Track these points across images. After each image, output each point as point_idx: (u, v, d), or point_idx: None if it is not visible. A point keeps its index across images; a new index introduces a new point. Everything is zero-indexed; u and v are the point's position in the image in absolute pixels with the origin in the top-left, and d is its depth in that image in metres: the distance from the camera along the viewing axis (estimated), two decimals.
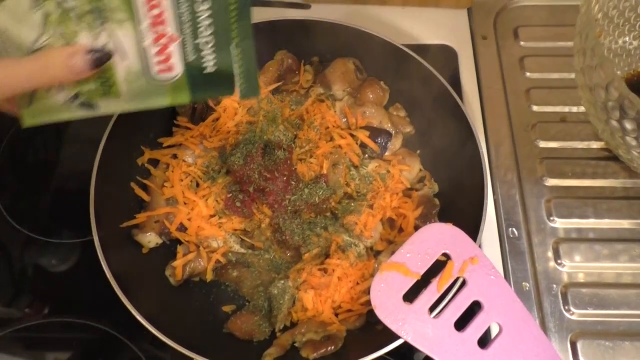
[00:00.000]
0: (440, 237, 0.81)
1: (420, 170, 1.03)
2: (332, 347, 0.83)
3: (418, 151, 1.05)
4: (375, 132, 1.03)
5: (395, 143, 1.04)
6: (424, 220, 0.96)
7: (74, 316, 0.95)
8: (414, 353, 0.91)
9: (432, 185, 1.01)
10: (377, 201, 0.97)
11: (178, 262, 0.91)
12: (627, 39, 1.07)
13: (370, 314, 0.86)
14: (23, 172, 1.12)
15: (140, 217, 0.94)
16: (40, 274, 1.01)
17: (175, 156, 1.01)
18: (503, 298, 0.79)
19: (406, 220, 0.96)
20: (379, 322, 0.77)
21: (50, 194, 1.09)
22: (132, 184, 0.97)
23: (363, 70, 1.09)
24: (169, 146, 1.02)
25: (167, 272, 0.92)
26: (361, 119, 1.03)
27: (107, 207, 0.88)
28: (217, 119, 1.04)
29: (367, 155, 1.03)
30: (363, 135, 1.02)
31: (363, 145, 1.03)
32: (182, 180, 0.97)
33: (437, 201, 0.99)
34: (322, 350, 0.83)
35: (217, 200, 0.96)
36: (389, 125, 1.04)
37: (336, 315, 0.90)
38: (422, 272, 0.79)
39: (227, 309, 0.92)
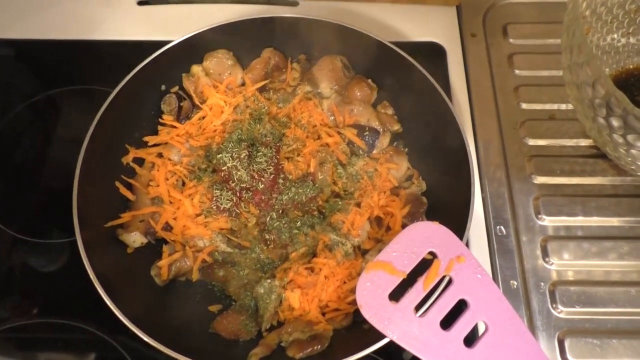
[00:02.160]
0: (427, 235, 0.81)
1: (409, 168, 1.03)
2: (319, 347, 0.83)
3: (406, 149, 1.05)
4: (363, 130, 1.02)
5: (383, 141, 1.03)
6: (411, 218, 0.95)
7: (61, 317, 0.94)
8: (402, 352, 0.91)
9: (420, 183, 1.00)
10: (365, 200, 0.96)
11: (164, 262, 0.91)
12: (615, 36, 1.07)
13: (357, 313, 0.86)
14: (10, 172, 1.11)
15: (125, 217, 0.93)
16: (30, 274, 1.00)
17: (160, 155, 1.00)
18: (489, 297, 0.79)
19: (394, 218, 0.95)
20: (365, 321, 0.77)
21: (37, 193, 1.08)
22: (117, 183, 0.96)
23: (351, 67, 1.08)
24: (154, 145, 1.01)
25: (153, 272, 0.91)
26: (349, 117, 1.03)
27: (91, 207, 0.88)
28: (203, 118, 1.03)
29: (354, 153, 1.03)
30: (351, 134, 1.01)
31: (351, 144, 1.02)
32: (167, 179, 0.97)
33: (425, 199, 0.98)
34: (309, 350, 0.83)
35: (202, 200, 0.95)
36: (377, 123, 1.03)
37: (323, 314, 0.89)
38: (408, 270, 0.79)
39: (213, 308, 0.92)
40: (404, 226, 0.95)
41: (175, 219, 0.94)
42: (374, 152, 1.03)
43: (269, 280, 0.89)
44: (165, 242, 0.95)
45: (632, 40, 1.07)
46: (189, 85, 1.05)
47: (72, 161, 0.90)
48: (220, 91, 1.05)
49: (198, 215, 0.95)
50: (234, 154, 0.94)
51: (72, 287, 0.97)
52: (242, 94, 1.04)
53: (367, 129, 1.02)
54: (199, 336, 0.88)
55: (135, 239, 0.93)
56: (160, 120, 1.03)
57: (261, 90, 1.07)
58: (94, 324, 0.93)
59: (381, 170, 1.00)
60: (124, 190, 0.96)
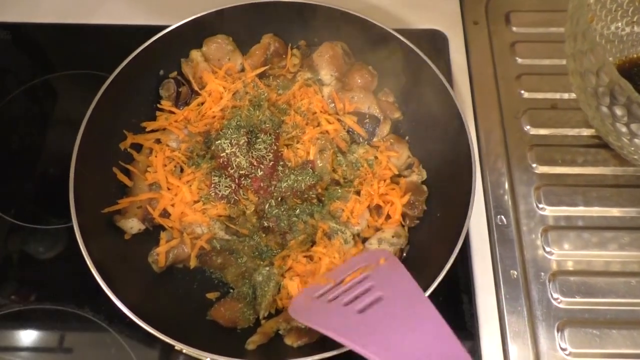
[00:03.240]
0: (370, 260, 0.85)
1: (409, 157, 1.02)
2: (317, 336, 0.82)
3: (407, 137, 1.04)
4: (363, 118, 1.01)
5: (384, 129, 1.02)
6: (411, 207, 0.94)
7: (58, 303, 0.93)
8: None
9: (421, 172, 0.99)
10: (365, 188, 0.95)
11: (161, 249, 0.90)
12: (619, 24, 1.06)
13: None
14: (7, 157, 1.10)
15: (123, 203, 0.92)
16: (27, 261, 0.99)
17: (158, 141, 0.99)
18: (391, 272, 0.81)
19: (394, 207, 0.95)
20: None
21: (34, 179, 1.07)
22: (115, 169, 0.95)
23: (351, 54, 1.07)
24: (152, 131, 1.00)
25: (150, 259, 0.91)
26: (349, 104, 1.02)
27: (87, 192, 0.87)
28: (202, 104, 1.02)
29: (354, 141, 1.02)
30: (351, 121, 1.00)
31: (351, 131, 1.01)
32: (165, 165, 0.96)
33: (425, 188, 0.97)
34: (306, 338, 0.82)
35: (201, 187, 0.94)
36: (378, 110, 1.02)
37: None
38: (337, 279, 0.83)
39: (211, 296, 0.91)
40: (403, 215, 0.94)
41: (173, 205, 0.93)
42: (374, 139, 1.02)
43: (267, 268, 0.88)
44: (163, 228, 0.94)
45: (636, 29, 1.06)
46: (187, 71, 1.04)
47: (69, 147, 0.88)
48: (220, 77, 1.03)
49: (196, 202, 0.93)
50: (232, 140, 0.93)
51: (69, 274, 0.96)
52: (242, 80, 1.03)
53: (367, 116, 1.01)
54: (196, 323, 0.87)
55: (132, 225, 0.92)
56: (158, 105, 1.02)
57: (261, 76, 1.06)
58: (91, 311, 0.92)
59: (381, 158, 0.99)
60: (121, 176, 0.95)
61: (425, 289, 0.78)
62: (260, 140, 0.94)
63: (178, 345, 0.76)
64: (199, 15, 1.01)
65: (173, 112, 1.01)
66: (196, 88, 1.03)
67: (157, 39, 0.99)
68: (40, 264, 0.99)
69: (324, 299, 0.81)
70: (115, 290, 0.79)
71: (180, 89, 1.03)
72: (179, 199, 0.93)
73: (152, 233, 0.94)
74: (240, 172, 0.92)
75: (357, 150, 0.99)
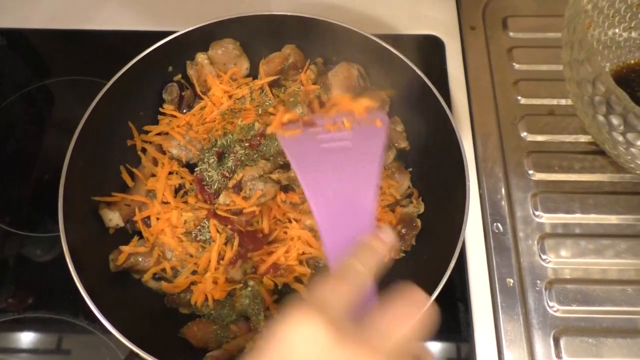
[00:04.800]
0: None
1: (409, 187, 1.00)
2: None
3: (410, 170, 1.02)
4: None
5: (387, 157, 0.99)
6: (400, 239, 0.93)
7: (53, 312, 0.93)
8: None
9: (419, 204, 0.97)
10: None
11: (127, 248, 0.89)
12: (616, 30, 1.05)
13: None
14: (2, 164, 1.09)
15: (117, 196, 0.93)
16: (24, 264, 0.99)
17: (161, 148, 0.99)
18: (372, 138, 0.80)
19: None
20: None
21: (31, 186, 1.06)
22: (122, 168, 0.96)
23: (367, 78, 1.05)
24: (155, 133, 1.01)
25: (111, 256, 0.89)
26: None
27: (79, 188, 0.87)
28: (204, 107, 1.02)
29: None
30: None
31: None
32: (169, 179, 0.96)
33: (419, 223, 0.95)
34: None
35: (189, 220, 0.93)
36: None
37: None
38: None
39: (184, 310, 0.90)
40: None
41: (158, 219, 0.92)
42: None
43: (249, 288, 0.87)
44: (141, 236, 0.93)
45: (633, 34, 1.06)
46: (192, 73, 1.03)
47: (65, 153, 0.88)
48: (224, 81, 1.03)
49: (177, 228, 0.93)
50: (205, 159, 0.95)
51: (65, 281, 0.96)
52: (249, 86, 1.02)
53: None
54: (168, 338, 0.87)
55: (112, 217, 0.91)
56: (160, 109, 1.02)
57: (272, 85, 1.05)
58: (85, 319, 0.92)
59: (382, 185, 0.96)
60: (125, 176, 0.96)
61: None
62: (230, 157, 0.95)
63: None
64: (212, 21, 1.00)
65: (175, 116, 1.01)
66: (199, 92, 1.03)
67: (167, 42, 0.98)
68: (35, 270, 0.98)
69: (309, 131, 0.82)
70: (94, 300, 0.78)
71: (183, 93, 1.02)
72: (166, 217, 0.92)
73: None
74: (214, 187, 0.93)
75: None
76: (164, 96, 1.03)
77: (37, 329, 0.93)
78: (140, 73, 0.97)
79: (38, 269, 0.99)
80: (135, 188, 0.95)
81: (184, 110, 1.03)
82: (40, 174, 1.07)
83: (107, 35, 1.21)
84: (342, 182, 0.72)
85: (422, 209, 0.97)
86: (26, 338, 0.93)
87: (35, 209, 1.05)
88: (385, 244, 0.58)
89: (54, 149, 1.09)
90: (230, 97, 1.02)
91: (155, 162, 0.99)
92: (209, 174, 0.94)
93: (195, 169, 0.97)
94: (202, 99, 1.03)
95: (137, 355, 0.76)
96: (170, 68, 1.03)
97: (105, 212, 0.91)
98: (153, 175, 0.97)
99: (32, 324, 0.93)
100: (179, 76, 1.04)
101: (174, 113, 1.02)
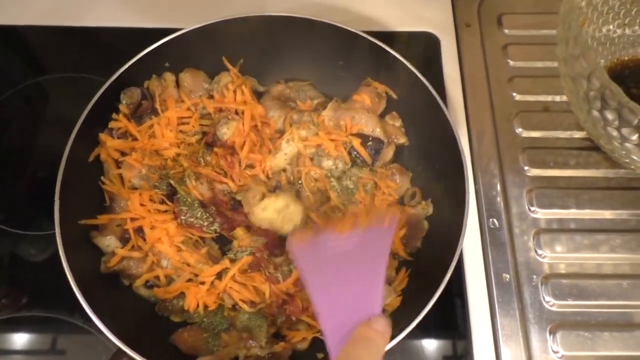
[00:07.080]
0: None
1: (409, 188, 0.99)
2: None
3: (411, 173, 1.01)
4: (366, 140, 0.98)
5: (387, 154, 0.99)
6: (406, 243, 0.92)
7: (48, 311, 0.93)
8: None
9: (427, 205, 0.96)
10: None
11: (121, 251, 0.87)
12: (611, 27, 1.05)
13: (315, 340, 0.87)
14: None
15: (102, 219, 0.89)
16: (19, 263, 0.99)
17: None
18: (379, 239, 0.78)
19: None
20: (320, 350, 0.81)
21: (26, 182, 1.06)
22: (103, 179, 0.93)
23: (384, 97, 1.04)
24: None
25: (104, 257, 0.88)
26: (351, 124, 0.99)
27: (74, 201, 0.85)
28: (152, 127, 0.98)
29: (355, 163, 0.99)
30: (357, 142, 0.98)
31: (353, 154, 0.98)
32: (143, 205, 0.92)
33: (426, 225, 0.95)
34: None
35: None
36: (382, 134, 0.98)
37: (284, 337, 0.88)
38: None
39: (175, 318, 0.89)
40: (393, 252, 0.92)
41: (152, 228, 0.89)
42: (377, 164, 0.99)
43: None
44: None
45: (627, 31, 1.06)
46: (155, 88, 0.99)
47: (60, 151, 0.87)
48: (183, 108, 0.99)
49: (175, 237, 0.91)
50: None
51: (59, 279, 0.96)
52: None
53: (370, 139, 0.98)
54: (159, 343, 0.86)
55: (109, 243, 0.88)
56: (114, 115, 0.96)
57: None
58: (81, 318, 0.92)
59: (381, 184, 0.96)
60: (106, 190, 0.93)
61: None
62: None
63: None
64: (220, 19, 0.97)
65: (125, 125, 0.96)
66: (158, 108, 0.97)
67: (167, 41, 0.96)
68: (30, 269, 0.98)
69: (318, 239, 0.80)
70: (90, 303, 0.78)
71: (142, 102, 0.96)
72: (161, 226, 0.90)
73: None
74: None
75: (355, 174, 0.96)
76: (121, 97, 0.96)
77: (31, 328, 0.93)
78: (134, 74, 0.96)
79: (32, 268, 0.98)
80: (116, 202, 0.92)
81: (132, 120, 0.97)
82: (35, 172, 1.06)
83: (102, 32, 1.20)
84: (347, 283, 0.71)
85: (430, 211, 0.96)
86: (20, 337, 0.92)
87: (30, 207, 1.04)
88: (382, 335, 0.62)
89: (49, 146, 1.09)
90: (180, 131, 0.98)
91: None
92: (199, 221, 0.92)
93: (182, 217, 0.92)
94: (157, 114, 0.97)
95: (125, 354, 0.76)
96: (167, 64, 1.01)
97: (100, 240, 0.88)
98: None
99: (27, 323, 0.93)
100: (146, 84, 0.99)
101: (124, 120, 0.95)
